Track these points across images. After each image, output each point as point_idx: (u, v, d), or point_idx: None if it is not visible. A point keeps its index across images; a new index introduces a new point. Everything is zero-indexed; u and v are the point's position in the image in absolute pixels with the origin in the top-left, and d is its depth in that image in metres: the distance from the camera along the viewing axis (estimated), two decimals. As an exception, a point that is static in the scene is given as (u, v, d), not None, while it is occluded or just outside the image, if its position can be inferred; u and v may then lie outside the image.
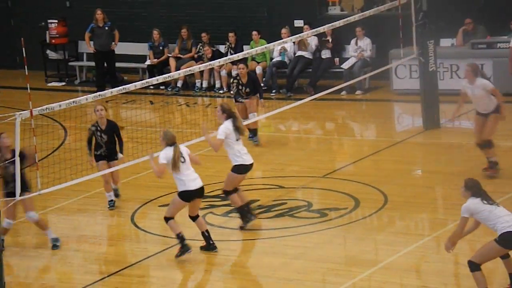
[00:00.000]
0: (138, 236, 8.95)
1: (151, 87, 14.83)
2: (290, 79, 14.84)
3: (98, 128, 9.45)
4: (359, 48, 14.47)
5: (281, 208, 9.29)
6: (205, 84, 15.50)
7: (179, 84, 15.65)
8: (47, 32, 16.74)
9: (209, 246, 8.17)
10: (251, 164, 8.68)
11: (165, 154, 8.04)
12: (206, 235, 8.18)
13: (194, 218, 8.22)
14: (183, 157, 8.09)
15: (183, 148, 8.22)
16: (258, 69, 15.12)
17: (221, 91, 15.30)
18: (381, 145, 10.45)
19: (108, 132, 9.44)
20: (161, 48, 15.76)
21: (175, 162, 7.95)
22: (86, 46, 15.81)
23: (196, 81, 15.58)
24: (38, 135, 8.85)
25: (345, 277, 7.54)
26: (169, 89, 15.57)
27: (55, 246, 8.61)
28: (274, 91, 14.90)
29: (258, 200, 9.56)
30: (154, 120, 13.55)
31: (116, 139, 9.51)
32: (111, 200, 9.58)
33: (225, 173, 10.76)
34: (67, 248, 8.72)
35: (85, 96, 8.62)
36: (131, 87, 8.94)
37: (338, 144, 12.24)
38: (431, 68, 11.95)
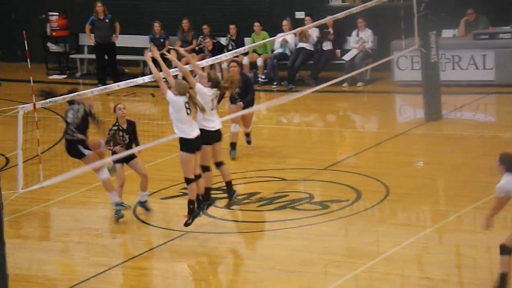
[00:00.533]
0: (140, 228, 8.97)
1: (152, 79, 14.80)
2: (291, 71, 14.82)
3: (120, 128, 9.03)
4: (361, 39, 14.44)
5: (283, 201, 9.30)
6: (206, 76, 15.47)
7: (180, 76, 15.62)
8: (48, 24, 16.72)
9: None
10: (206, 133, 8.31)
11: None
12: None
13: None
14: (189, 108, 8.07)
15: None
16: (259, 61, 15.11)
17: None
18: (383, 137, 10.45)
19: (129, 132, 9.08)
20: (162, 40, 15.74)
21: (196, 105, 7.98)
22: (87, 39, 15.80)
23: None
24: (40, 128, 8.86)
25: (347, 268, 7.55)
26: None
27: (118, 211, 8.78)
28: (275, 83, 14.88)
29: (260, 192, 9.57)
30: (156, 113, 13.55)
31: (133, 138, 9.09)
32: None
33: (227, 166, 10.76)
34: (70, 241, 8.74)
35: (89, 90, 8.61)
36: (138, 80, 8.91)
37: (340, 136, 12.23)
38: (433, 59, 11.92)
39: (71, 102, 8.82)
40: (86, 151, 8.82)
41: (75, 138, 8.77)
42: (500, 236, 8.10)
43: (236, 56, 15.05)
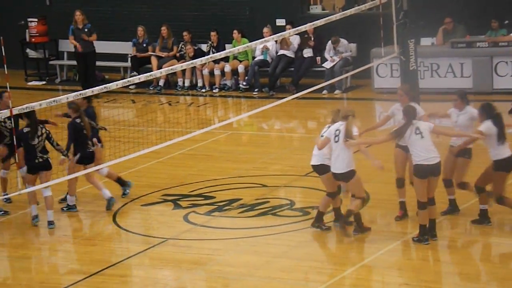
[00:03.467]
0: (120, 235, 8.91)
1: (133, 86, 14.78)
2: (272, 78, 14.86)
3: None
4: (338, 51, 14.55)
5: (264, 207, 9.30)
6: (187, 83, 15.47)
7: (161, 83, 15.60)
8: (27, 30, 16.60)
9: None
10: None
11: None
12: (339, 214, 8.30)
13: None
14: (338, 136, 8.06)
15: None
16: (240, 68, 15.14)
17: (203, 90, 15.28)
18: (363, 144, 10.48)
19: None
20: (144, 45, 15.71)
21: None
22: (69, 45, 15.61)
23: (178, 80, 15.54)
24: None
25: (328, 275, 7.56)
26: (151, 88, 15.51)
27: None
28: (256, 89, 14.91)
29: (241, 199, 9.57)
30: (136, 120, 13.50)
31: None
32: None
33: (208, 172, 10.75)
34: (48, 248, 8.66)
35: (65, 95, 8.56)
36: (112, 85, 8.89)
37: (320, 142, 12.26)
38: (412, 67, 12.02)
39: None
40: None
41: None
42: (479, 243, 8.17)
43: (217, 62, 15.16)
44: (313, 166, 8.39)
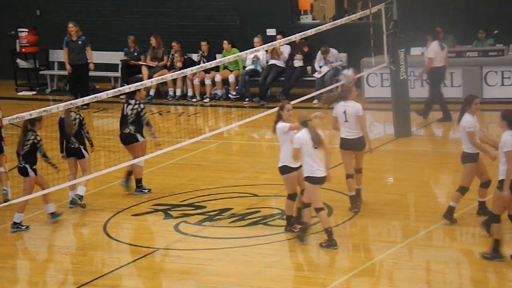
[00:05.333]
0: (110, 245, 8.88)
1: (123, 96, 14.77)
2: (263, 88, 14.90)
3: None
4: (328, 61, 14.60)
5: (255, 216, 9.29)
6: (178, 93, 15.48)
7: (152, 92, 15.60)
8: (17, 40, 16.57)
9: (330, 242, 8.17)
10: None
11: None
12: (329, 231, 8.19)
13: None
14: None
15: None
16: (231, 78, 15.16)
17: (193, 100, 15.29)
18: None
19: None
20: (135, 54, 15.72)
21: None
22: (59, 56, 15.58)
23: (169, 89, 15.55)
24: (8, 145, 8.75)
25: (319, 285, 7.56)
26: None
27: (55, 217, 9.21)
28: (247, 99, 14.94)
29: (232, 208, 9.56)
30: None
31: None
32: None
33: (199, 181, 10.73)
34: (38, 259, 8.61)
35: (56, 105, 8.54)
36: (102, 95, 8.88)
37: (311, 152, 12.27)
38: (402, 77, 12.08)
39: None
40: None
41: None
42: (470, 253, 8.19)
43: (208, 72, 15.18)
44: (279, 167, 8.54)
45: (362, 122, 9.11)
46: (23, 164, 9.04)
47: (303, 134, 8.17)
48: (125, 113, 9.97)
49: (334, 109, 9.20)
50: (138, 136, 9.99)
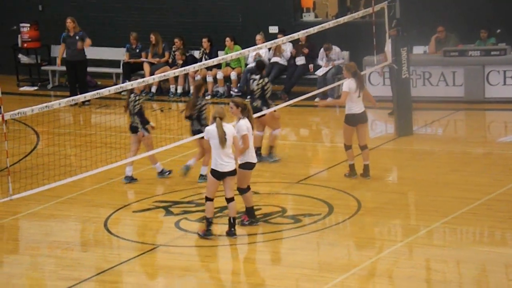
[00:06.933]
0: (111, 242, 8.89)
1: (125, 92, 14.76)
2: (265, 85, 14.87)
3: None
4: (330, 59, 14.60)
5: (256, 214, 9.29)
6: (179, 90, 15.47)
7: (153, 89, 15.60)
8: (19, 36, 16.56)
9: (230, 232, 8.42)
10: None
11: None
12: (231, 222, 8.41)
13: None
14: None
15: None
16: (233, 75, 15.15)
17: (195, 97, 15.27)
18: (355, 152, 10.51)
19: None
20: (138, 51, 15.72)
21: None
22: (57, 60, 15.56)
23: (171, 86, 15.55)
24: (10, 140, 8.75)
25: (319, 282, 7.57)
26: (143, 94, 15.49)
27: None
28: (248, 96, 14.92)
29: (232, 206, 9.55)
30: (128, 126, 13.46)
31: None
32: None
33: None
34: (39, 254, 8.62)
35: (58, 101, 8.55)
36: (105, 91, 8.89)
37: (312, 150, 12.29)
38: (404, 75, 12.08)
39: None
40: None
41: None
42: (470, 252, 8.21)
43: (210, 69, 15.17)
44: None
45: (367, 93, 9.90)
46: (136, 123, 10.20)
47: (212, 128, 8.38)
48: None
49: (346, 84, 9.56)
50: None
